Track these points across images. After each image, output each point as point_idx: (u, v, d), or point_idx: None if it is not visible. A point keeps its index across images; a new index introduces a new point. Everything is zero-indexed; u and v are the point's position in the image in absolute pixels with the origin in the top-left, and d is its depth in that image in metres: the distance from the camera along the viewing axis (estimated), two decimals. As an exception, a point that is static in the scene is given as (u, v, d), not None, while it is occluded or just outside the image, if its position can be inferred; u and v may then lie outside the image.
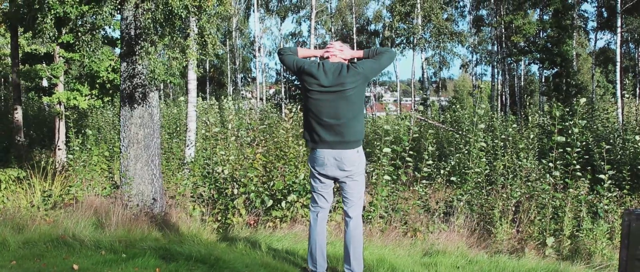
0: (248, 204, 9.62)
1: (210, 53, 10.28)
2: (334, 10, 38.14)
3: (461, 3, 44.18)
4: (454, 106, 26.59)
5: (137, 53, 10.41)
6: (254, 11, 41.27)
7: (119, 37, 13.85)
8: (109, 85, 16.71)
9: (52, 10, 15.68)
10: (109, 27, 16.71)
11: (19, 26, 17.41)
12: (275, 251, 7.04)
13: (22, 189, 11.52)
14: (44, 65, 17.42)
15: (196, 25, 10.52)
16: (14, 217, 9.24)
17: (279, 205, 9.42)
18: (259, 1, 41.78)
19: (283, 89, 42.00)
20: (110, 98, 17.34)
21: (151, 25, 9.80)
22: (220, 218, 9.52)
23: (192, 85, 15.60)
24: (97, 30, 11.20)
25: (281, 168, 10.19)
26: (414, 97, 43.57)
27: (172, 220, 9.41)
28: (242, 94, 44.53)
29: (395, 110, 38.87)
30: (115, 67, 16.37)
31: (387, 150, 9.54)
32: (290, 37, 44.54)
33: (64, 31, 16.52)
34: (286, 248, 7.35)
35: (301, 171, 10.08)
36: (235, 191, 9.77)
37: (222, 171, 10.40)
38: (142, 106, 10.63)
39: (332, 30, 38.90)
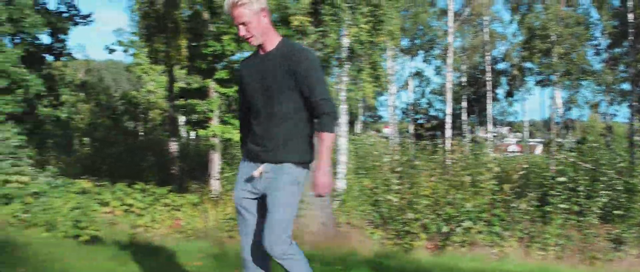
0: (424, 229, 10.04)
1: (383, 86, 10.82)
2: (467, 49, 38.19)
3: (597, 42, 43.20)
4: (591, 145, 26.21)
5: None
6: (386, 49, 41.56)
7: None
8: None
9: (210, 47, 16.79)
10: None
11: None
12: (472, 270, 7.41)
13: (197, 213, 12.33)
14: (199, 100, 18.40)
15: (368, 60, 11.09)
16: (206, 236, 9.99)
17: (454, 230, 9.81)
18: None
19: (411, 127, 42.28)
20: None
21: (329, 58, 10.43)
22: (400, 242, 9.96)
23: (343, 118, 16.15)
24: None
25: (452, 196, 10.57)
26: (539, 138, 43.01)
27: (351, 243, 9.89)
28: (373, 132, 45.03)
29: (522, 151, 38.55)
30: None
31: (562, 179, 9.83)
32: (415, 76, 44.92)
33: (219, 67, 17.57)
34: (479, 268, 7.69)
35: (470, 199, 10.44)
36: (410, 216, 10.20)
37: (392, 198, 10.89)
38: (315, 136, 11.21)
39: (463, 68, 39.00)
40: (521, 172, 11.39)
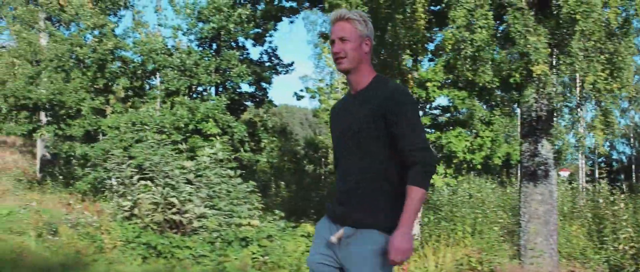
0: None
1: (615, 133, 10.66)
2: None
3: None
4: None
5: (538, 134, 11.09)
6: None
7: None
8: (465, 165, 17.66)
9: (414, 94, 17.13)
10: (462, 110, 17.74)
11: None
12: None
13: (417, 258, 12.54)
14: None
15: (600, 107, 10.98)
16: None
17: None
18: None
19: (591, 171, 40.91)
20: (464, 177, 18.25)
21: (562, 107, 10.44)
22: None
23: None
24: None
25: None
26: None
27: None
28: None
29: None
30: (472, 148, 17.26)
31: None
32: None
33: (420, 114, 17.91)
34: None
35: None
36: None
37: (626, 247, 10.66)
38: (543, 184, 11.20)
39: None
40: None
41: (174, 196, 11.57)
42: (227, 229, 11.61)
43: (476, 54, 9.68)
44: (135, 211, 11.63)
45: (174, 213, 11.60)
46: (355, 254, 3.50)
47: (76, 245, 10.50)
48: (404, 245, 3.31)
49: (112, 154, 12.88)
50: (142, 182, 11.86)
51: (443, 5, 9.93)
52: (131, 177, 12.03)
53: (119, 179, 12.20)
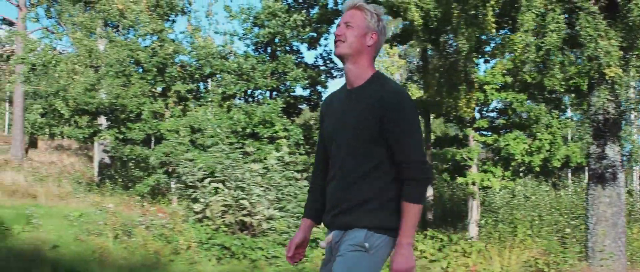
0: None
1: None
2: None
3: None
4: None
5: (606, 136, 11.15)
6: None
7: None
8: (523, 167, 17.67)
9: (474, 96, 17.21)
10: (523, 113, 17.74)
11: (431, 112, 19.22)
12: None
13: (483, 260, 12.64)
14: (455, 148, 18.87)
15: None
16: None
17: None
18: None
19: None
20: (521, 180, 18.29)
21: (633, 108, 10.50)
22: None
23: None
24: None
25: None
26: None
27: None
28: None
29: None
30: (530, 150, 17.25)
31: None
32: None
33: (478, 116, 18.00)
34: None
35: None
36: None
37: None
38: (611, 186, 11.26)
39: None
40: None
41: (244, 199, 11.83)
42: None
43: (546, 57, 9.78)
44: (207, 213, 11.92)
45: (244, 215, 11.86)
46: (338, 251, 3.36)
47: (152, 246, 10.81)
48: (403, 265, 3.19)
49: (183, 158, 13.18)
50: (214, 184, 12.13)
51: (520, 9, 10.00)
52: (202, 180, 12.32)
53: (191, 182, 12.49)
